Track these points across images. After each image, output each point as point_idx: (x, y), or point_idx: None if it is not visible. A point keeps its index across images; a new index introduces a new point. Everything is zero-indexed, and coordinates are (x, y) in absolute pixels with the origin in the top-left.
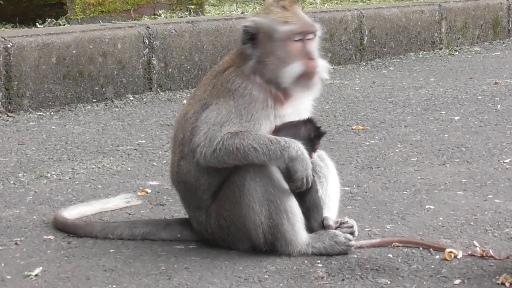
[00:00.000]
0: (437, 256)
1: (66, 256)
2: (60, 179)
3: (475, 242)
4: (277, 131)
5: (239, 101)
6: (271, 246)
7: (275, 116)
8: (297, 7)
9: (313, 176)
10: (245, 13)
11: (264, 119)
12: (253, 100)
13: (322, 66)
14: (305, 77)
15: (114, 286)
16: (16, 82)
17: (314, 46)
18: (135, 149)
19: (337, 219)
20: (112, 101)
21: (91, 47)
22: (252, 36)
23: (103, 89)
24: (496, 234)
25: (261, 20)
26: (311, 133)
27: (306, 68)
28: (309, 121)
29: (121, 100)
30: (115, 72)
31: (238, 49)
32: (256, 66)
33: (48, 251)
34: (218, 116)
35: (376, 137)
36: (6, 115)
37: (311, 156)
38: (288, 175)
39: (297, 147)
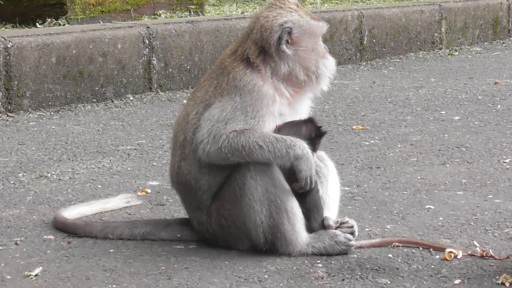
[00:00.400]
0: (437, 256)
1: (66, 256)
2: (60, 179)
3: (475, 242)
4: (278, 130)
5: (246, 98)
6: (271, 245)
7: (279, 113)
8: None
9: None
10: (245, 13)
11: (269, 115)
12: (261, 97)
13: None
14: None
15: (114, 286)
16: (16, 82)
17: None
18: (135, 149)
19: (337, 219)
20: (112, 101)
21: (91, 47)
22: (288, 36)
23: (103, 89)
24: (496, 234)
25: (297, 18)
26: (312, 133)
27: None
28: (310, 121)
29: (121, 100)
30: (115, 72)
31: (253, 49)
32: (287, 65)
33: (48, 251)
34: (223, 113)
35: (376, 137)
36: (6, 115)
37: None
38: (291, 175)
39: (303, 146)
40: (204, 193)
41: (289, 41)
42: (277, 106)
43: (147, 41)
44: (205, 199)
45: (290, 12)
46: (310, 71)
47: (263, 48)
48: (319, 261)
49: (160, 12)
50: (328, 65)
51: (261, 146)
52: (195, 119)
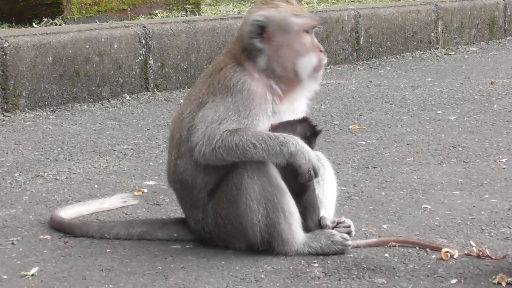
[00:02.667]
0: (434, 256)
1: (62, 255)
2: (57, 179)
3: (472, 242)
4: (273, 130)
5: (237, 97)
6: (268, 245)
7: (273, 111)
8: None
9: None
10: (242, 13)
11: (262, 114)
12: (251, 95)
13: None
14: (317, 69)
15: (110, 285)
16: (12, 82)
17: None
18: (131, 149)
19: (334, 218)
20: (109, 101)
21: (87, 46)
22: (261, 31)
23: (100, 89)
24: (492, 233)
25: (272, 14)
26: (307, 132)
27: (319, 59)
28: (304, 120)
29: (117, 99)
30: (112, 72)
31: (238, 46)
32: (264, 60)
33: (45, 251)
34: (216, 113)
35: (373, 137)
36: (2, 115)
37: None
38: (290, 171)
39: (296, 142)
40: (201, 191)
41: (264, 36)
42: (270, 105)
43: (143, 41)
44: (202, 197)
45: (270, 7)
46: (286, 67)
47: (243, 43)
48: (315, 261)
49: (157, 11)
50: (305, 62)
51: (255, 145)
52: (189, 118)
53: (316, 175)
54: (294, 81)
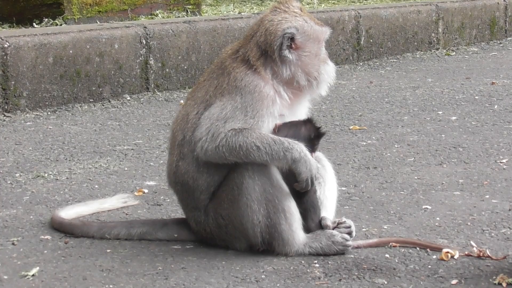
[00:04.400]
0: (434, 256)
1: (63, 256)
2: (57, 179)
3: (472, 242)
4: (277, 130)
5: (247, 98)
6: (268, 245)
7: (279, 114)
8: None
9: None
10: (242, 13)
11: (268, 116)
12: (262, 98)
13: None
14: None
15: (111, 286)
16: (13, 82)
17: None
18: (132, 149)
19: (334, 219)
20: (109, 101)
21: (88, 47)
22: (290, 42)
23: (100, 89)
24: (493, 234)
25: (301, 24)
26: (311, 133)
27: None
28: (309, 121)
29: (118, 100)
30: (112, 72)
31: (255, 52)
32: (289, 70)
33: (45, 251)
34: (222, 112)
35: (373, 137)
36: (3, 115)
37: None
38: (290, 174)
39: (300, 149)
40: (202, 193)
41: (293, 46)
42: (277, 107)
43: (144, 41)
44: (203, 199)
45: (294, 16)
46: (311, 76)
47: (265, 51)
48: (316, 261)
49: (157, 12)
50: (329, 71)
51: (259, 147)
52: (196, 119)
53: (312, 184)
54: (308, 89)
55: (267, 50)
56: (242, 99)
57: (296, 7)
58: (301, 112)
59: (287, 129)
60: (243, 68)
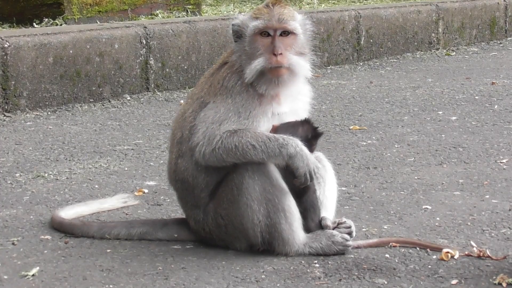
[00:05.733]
0: (434, 256)
1: (63, 256)
2: (57, 179)
3: (472, 242)
4: (275, 131)
5: (237, 99)
6: (268, 245)
7: (272, 113)
8: (282, 5)
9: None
10: (242, 13)
11: (262, 115)
12: (250, 97)
13: (296, 63)
14: (270, 73)
15: (111, 286)
16: (13, 82)
17: (288, 43)
18: (132, 149)
19: (334, 219)
20: (109, 101)
21: (88, 47)
22: (239, 34)
23: (100, 89)
24: (493, 234)
25: (243, 17)
26: (308, 134)
27: (268, 63)
28: (306, 122)
29: (118, 100)
30: (112, 72)
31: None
32: (237, 61)
33: (45, 251)
34: (217, 114)
35: (373, 137)
36: (3, 115)
37: None
38: (289, 172)
39: (296, 144)
40: (202, 191)
41: (241, 38)
42: (270, 106)
43: (144, 41)
44: (203, 197)
45: (252, 12)
46: (244, 69)
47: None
48: (316, 261)
49: (157, 12)
50: (252, 66)
51: (254, 146)
52: (191, 117)
53: (311, 179)
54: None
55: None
56: (233, 100)
57: (264, 4)
58: (300, 109)
59: (284, 129)
60: (228, 64)
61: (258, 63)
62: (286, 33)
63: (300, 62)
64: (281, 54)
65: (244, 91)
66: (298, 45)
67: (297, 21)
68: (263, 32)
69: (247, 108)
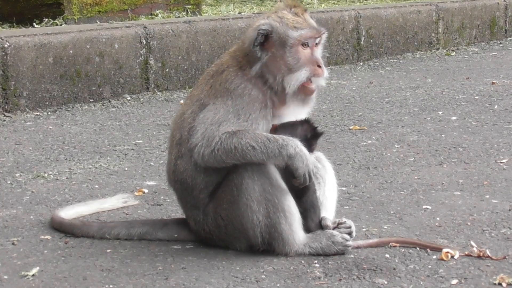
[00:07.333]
0: (434, 256)
1: (63, 256)
2: (57, 179)
3: (472, 242)
4: (274, 131)
5: (237, 101)
6: (268, 245)
7: (273, 115)
8: (307, 14)
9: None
10: (243, 13)
11: (261, 119)
12: (252, 100)
13: (326, 74)
14: (304, 86)
15: (111, 286)
16: (13, 82)
17: (319, 52)
18: (132, 149)
19: (334, 219)
20: (109, 101)
21: (88, 47)
22: (263, 39)
23: (100, 89)
24: (493, 234)
25: (276, 24)
26: (307, 133)
27: (312, 74)
28: (306, 122)
29: (118, 100)
30: (112, 72)
31: (241, 50)
32: (261, 69)
33: (45, 251)
34: (216, 116)
35: (373, 137)
36: (3, 115)
37: None
38: (289, 172)
39: (295, 144)
40: (201, 191)
41: (265, 44)
42: (270, 110)
43: (144, 41)
44: (202, 197)
45: (277, 17)
46: (277, 79)
47: (248, 48)
48: (316, 261)
49: (157, 12)
50: (293, 77)
51: (254, 147)
52: (190, 118)
53: (310, 179)
54: (284, 94)
55: (246, 46)
56: (233, 102)
57: (289, 11)
58: (301, 111)
59: (284, 129)
60: (234, 68)
61: (304, 74)
62: (318, 43)
63: (327, 74)
64: (322, 65)
65: (246, 94)
66: (321, 54)
67: None
68: (305, 43)
69: (247, 110)
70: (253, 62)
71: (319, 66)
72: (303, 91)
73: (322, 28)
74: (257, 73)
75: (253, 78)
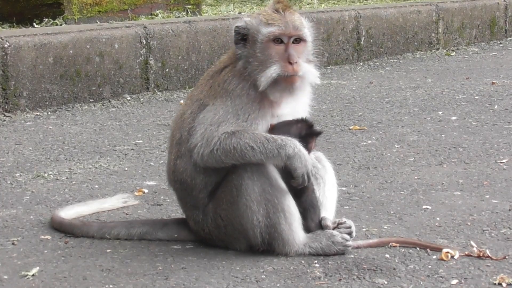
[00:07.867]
0: (434, 256)
1: (63, 256)
2: (57, 179)
3: (472, 242)
4: (272, 130)
5: (236, 101)
6: (268, 245)
7: (272, 115)
8: (292, 11)
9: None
10: (242, 13)
11: (261, 118)
12: (250, 100)
13: (308, 71)
14: (284, 81)
15: (111, 286)
16: (13, 82)
17: (300, 50)
18: (132, 149)
19: (334, 219)
20: (109, 101)
21: (88, 47)
22: (243, 37)
23: (100, 89)
24: (493, 234)
25: (251, 21)
26: (302, 131)
27: (283, 71)
28: (302, 120)
29: (118, 100)
30: (112, 72)
31: (234, 50)
32: (245, 67)
33: (45, 251)
34: (215, 116)
35: (373, 137)
36: (3, 115)
37: None
38: (288, 172)
39: (294, 144)
40: (201, 191)
41: (246, 42)
42: (269, 109)
43: (144, 41)
44: (202, 197)
45: (256, 14)
46: (254, 76)
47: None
48: (316, 261)
49: (157, 12)
50: (265, 73)
51: (253, 147)
52: (190, 118)
53: (309, 180)
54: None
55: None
56: (232, 103)
57: (271, 8)
58: (300, 110)
59: (279, 128)
60: (230, 67)
61: (273, 71)
62: (298, 40)
63: (311, 70)
64: (296, 62)
65: (245, 95)
66: (308, 52)
67: (307, 28)
68: (277, 39)
69: (246, 111)
70: (237, 61)
71: (290, 63)
72: (283, 81)
73: (303, 29)
74: (243, 70)
75: (248, 77)
